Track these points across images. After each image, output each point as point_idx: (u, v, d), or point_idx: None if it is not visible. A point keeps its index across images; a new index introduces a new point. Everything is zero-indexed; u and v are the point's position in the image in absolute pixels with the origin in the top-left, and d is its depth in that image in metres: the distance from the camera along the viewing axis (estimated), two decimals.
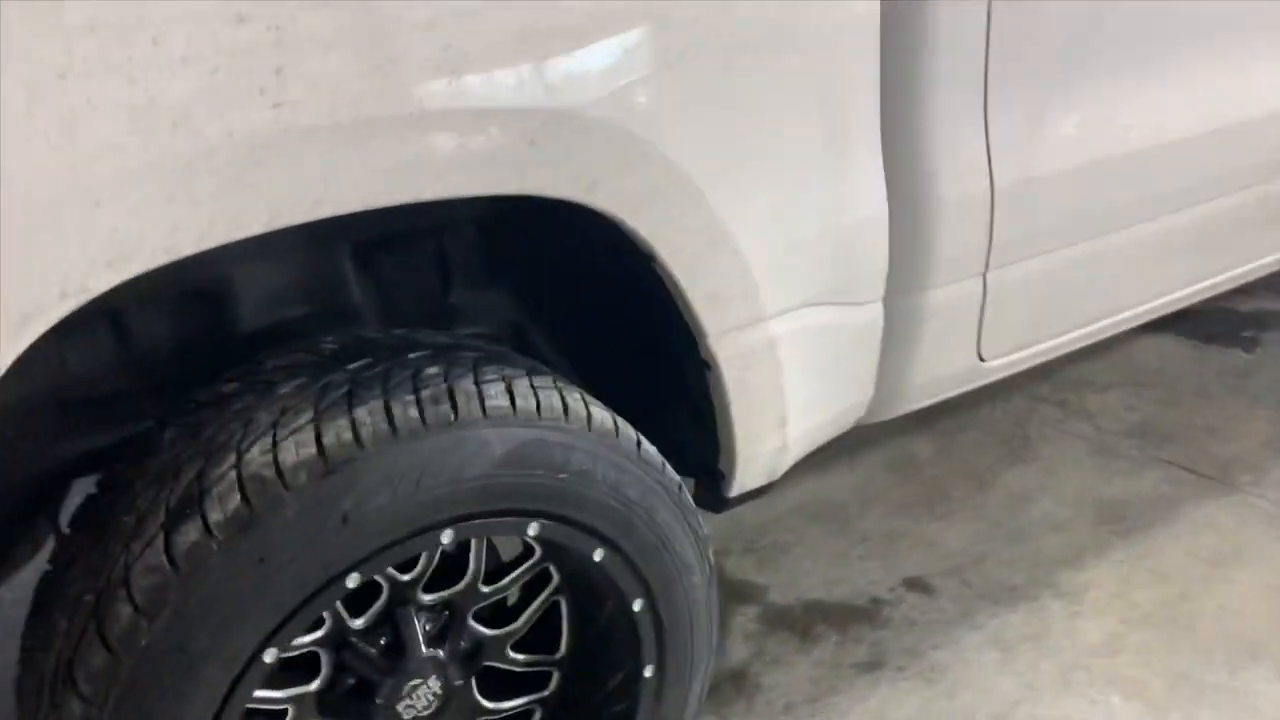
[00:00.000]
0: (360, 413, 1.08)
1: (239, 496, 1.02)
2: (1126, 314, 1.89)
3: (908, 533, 2.16)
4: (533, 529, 1.19)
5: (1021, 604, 1.95)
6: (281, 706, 1.20)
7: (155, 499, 1.05)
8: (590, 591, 1.32)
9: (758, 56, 1.24)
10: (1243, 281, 2.13)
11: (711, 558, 1.37)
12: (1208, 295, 2.00)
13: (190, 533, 1.01)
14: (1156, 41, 1.61)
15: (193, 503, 1.03)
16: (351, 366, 1.16)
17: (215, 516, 1.01)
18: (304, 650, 1.18)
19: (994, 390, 2.61)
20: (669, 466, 1.31)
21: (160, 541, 1.01)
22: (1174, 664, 1.80)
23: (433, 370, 1.15)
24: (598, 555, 1.24)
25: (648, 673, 1.34)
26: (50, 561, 1.19)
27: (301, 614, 1.07)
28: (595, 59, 1.12)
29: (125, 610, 1.00)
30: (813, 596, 2.00)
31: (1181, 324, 2.94)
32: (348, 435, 1.06)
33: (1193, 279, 1.93)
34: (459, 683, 1.29)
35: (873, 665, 1.83)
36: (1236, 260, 2.03)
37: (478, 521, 1.15)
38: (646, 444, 1.28)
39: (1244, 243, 2.01)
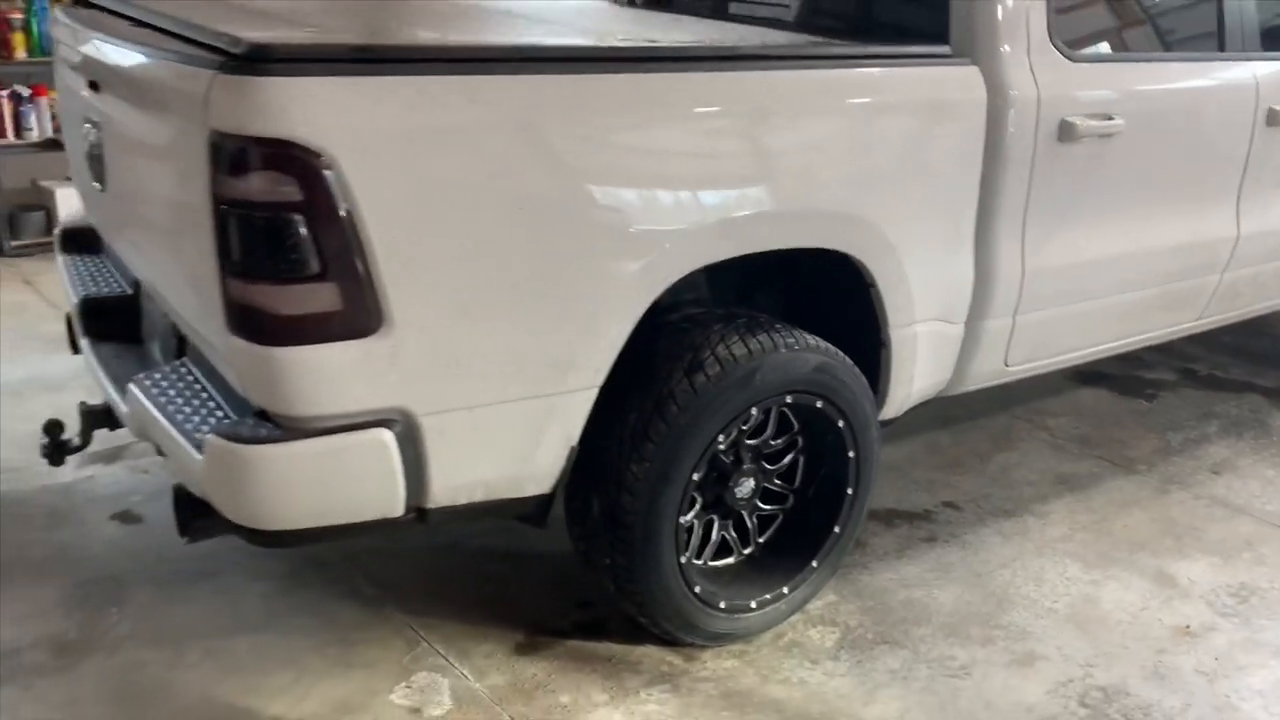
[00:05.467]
0: (760, 336, 2.43)
1: (717, 365, 2.36)
2: (1090, 350, 3.30)
3: (941, 480, 3.54)
4: (819, 404, 2.54)
5: (1013, 517, 3.33)
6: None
7: (675, 364, 2.37)
8: (826, 446, 2.66)
9: (924, 193, 2.63)
10: (1158, 342, 3.56)
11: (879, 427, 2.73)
12: (1139, 348, 3.41)
13: (699, 377, 2.34)
14: (1111, 205, 3.04)
15: (697, 366, 2.36)
16: (734, 322, 2.50)
17: (709, 372, 2.35)
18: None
19: (988, 410, 4.03)
20: (865, 381, 2.66)
21: (685, 380, 2.34)
22: (1100, 548, 3.18)
23: (778, 326, 2.50)
24: (840, 423, 2.59)
25: (850, 492, 2.68)
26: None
27: (733, 424, 2.40)
28: (849, 190, 2.50)
29: (672, 408, 2.32)
30: (890, 507, 3.35)
31: (1110, 382, 4.40)
32: (757, 346, 2.41)
33: (1131, 334, 3.35)
34: (755, 487, 2.62)
35: (930, 539, 3.19)
36: (1154, 327, 3.46)
37: (800, 393, 2.50)
38: (858, 370, 2.63)
39: (1159, 317, 3.44)
